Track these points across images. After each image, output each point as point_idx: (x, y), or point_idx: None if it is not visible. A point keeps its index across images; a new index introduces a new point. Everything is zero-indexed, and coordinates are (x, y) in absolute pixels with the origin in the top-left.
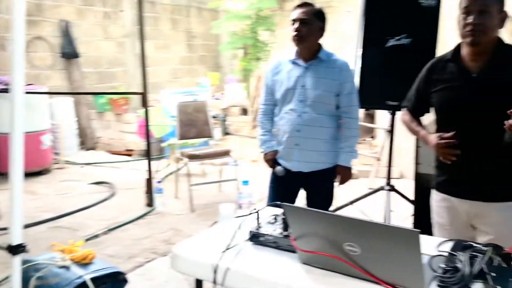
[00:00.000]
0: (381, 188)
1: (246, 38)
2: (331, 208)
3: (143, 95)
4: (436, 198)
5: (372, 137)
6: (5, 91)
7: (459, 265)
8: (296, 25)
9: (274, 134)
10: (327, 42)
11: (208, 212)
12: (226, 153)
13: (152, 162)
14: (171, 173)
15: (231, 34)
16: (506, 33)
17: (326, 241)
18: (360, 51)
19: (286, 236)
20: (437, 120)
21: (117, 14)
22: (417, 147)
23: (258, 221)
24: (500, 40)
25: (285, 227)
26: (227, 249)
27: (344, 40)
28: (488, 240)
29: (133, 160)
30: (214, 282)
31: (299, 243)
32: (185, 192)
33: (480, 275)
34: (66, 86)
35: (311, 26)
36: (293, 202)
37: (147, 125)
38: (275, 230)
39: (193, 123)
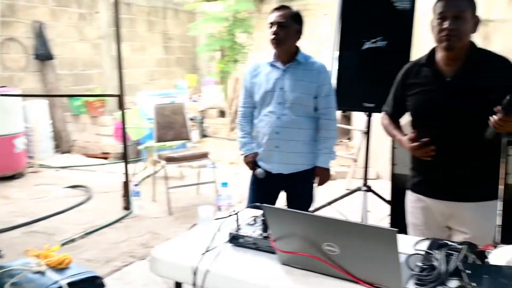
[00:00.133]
0: (358, 189)
1: (224, 40)
2: (310, 209)
3: (120, 97)
4: (411, 198)
5: (348, 138)
6: None
7: (435, 263)
8: (274, 28)
9: (254, 137)
10: (304, 44)
11: (186, 215)
12: (204, 156)
13: (129, 165)
14: (148, 176)
15: (208, 36)
16: (479, 37)
17: (305, 242)
18: (337, 54)
19: (266, 237)
20: (413, 123)
21: (93, 16)
22: (393, 148)
23: (237, 222)
24: (473, 45)
25: (265, 228)
26: (207, 251)
27: (322, 42)
28: (464, 239)
29: (109, 163)
30: (194, 284)
31: (279, 244)
32: (163, 195)
33: (456, 273)
34: (40, 88)
35: (288, 29)
36: (274, 204)
37: (123, 128)
38: (255, 231)
39: (171, 126)
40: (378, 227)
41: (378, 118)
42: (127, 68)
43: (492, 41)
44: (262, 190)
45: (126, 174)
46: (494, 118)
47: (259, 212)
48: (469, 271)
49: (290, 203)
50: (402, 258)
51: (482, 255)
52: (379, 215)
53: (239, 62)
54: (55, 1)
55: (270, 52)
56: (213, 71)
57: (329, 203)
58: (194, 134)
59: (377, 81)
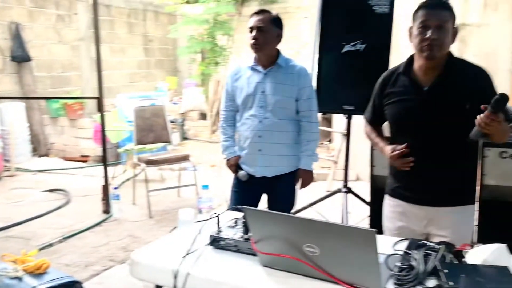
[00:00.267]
0: (339, 191)
1: (204, 43)
2: (292, 211)
3: (99, 100)
4: (389, 203)
5: (329, 140)
6: None
7: (413, 263)
8: (254, 32)
9: (236, 140)
10: (285, 47)
11: (166, 218)
12: (184, 158)
13: (109, 168)
14: (128, 179)
15: (188, 38)
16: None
17: (286, 243)
18: (317, 57)
19: (247, 240)
20: (391, 131)
21: (71, 17)
22: (372, 150)
23: (218, 225)
24: (450, 54)
25: (246, 230)
26: (187, 254)
27: (302, 45)
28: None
29: (88, 167)
30: (175, 287)
31: (260, 246)
32: (143, 198)
33: (434, 272)
34: (17, 91)
35: (268, 33)
36: (256, 206)
37: (103, 130)
38: (236, 233)
39: (151, 128)
40: (357, 228)
41: (358, 120)
42: (106, 70)
43: (468, 45)
44: (245, 192)
45: (106, 177)
46: (481, 117)
47: (240, 215)
48: (447, 271)
49: (272, 205)
50: (382, 258)
51: (459, 254)
52: (360, 216)
53: (220, 65)
54: (32, 2)
55: (250, 56)
56: (193, 73)
57: (310, 205)
58: (175, 136)
59: (357, 84)
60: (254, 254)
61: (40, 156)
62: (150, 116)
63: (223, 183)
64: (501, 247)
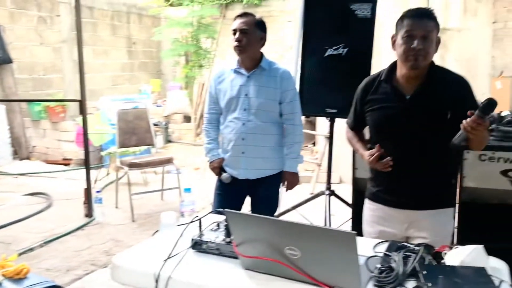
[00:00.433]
0: (322, 193)
1: (188, 45)
2: (275, 214)
3: (81, 103)
4: (370, 207)
5: (313, 143)
6: None
7: (393, 265)
8: (237, 35)
9: (219, 142)
10: (269, 51)
11: (149, 221)
12: (168, 161)
13: (91, 171)
14: (111, 183)
15: (172, 41)
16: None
17: (267, 246)
18: (300, 60)
19: (229, 243)
20: (372, 137)
21: (53, 19)
22: (354, 153)
23: (200, 228)
24: (432, 63)
25: (228, 233)
26: (169, 257)
27: (286, 49)
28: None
29: (70, 170)
30: None
31: (241, 249)
32: (126, 202)
33: (413, 274)
34: None
35: (251, 36)
36: (239, 209)
37: (85, 133)
38: (218, 237)
39: (134, 131)
40: (337, 230)
41: (341, 123)
42: (89, 72)
43: (448, 49)
44: (228, 195)
45: (88, 180)
46: (467, 121)
47: (222, 218)
48: (425, 272)
49: (256, 207)
50: (362, 260)
51: (438, 256)
52: (343, 218)
53: (204, 67)
54: (14, 3)
55: (234, 58)
56: (178, 76)
57: (294, 207)
58: (159, 139)
59: (339, 88)
60: (236, 257)
61: (21, 159)
62: (133, 119)
63: (207, 185)
64: (479, 248)
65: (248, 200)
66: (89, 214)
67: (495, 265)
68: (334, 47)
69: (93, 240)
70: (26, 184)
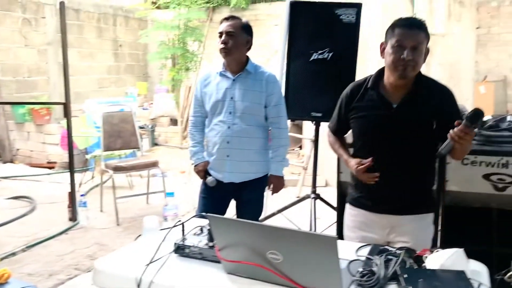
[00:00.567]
0: (307, 197)
1: (175, 48)
2: (261, 218)
3: (65, 105)
4: (351, 212)
5: (300, 147)
6: None
7: (375, 268)
8: (223, 37)
9: (205, 146)
10: (255, 54)
11: (134, 225)
12: (153, 165)
13: (76, 175)
14: (96, 186)
15: (159, 44)
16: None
17: (250, 250)
18: (285, 64)
19: (212, 247)
20: (356, 143)
21: (38, 21)
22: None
23: (183, 232)
24: (419, 73)
25: (211, 238)
26: (151, 262)
27: (272, 52)
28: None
29: (55, 173)
30: None
31: (224, 253)
32: (111, 205)
33: (394, 277)
34: None
35: (237, 39)
36: (224, 212)
37: (69, 136)
38: (201, 241)
39: (119, 134)
40: (318, 234)
41: (326, 127)
42: (75, 75)
43: (433, 54)
44: (213, 198)
45: (72, 184)
46: (454, 131)
47: (206, 222)
48: (406, 275)
49: (241, 211)
50: (344, 264)
51: (419, 259)
52: (328, 222)
53: (191, 70)
54: None
55: (220, 62)
56: (164, 79)
57: (279, 211)
58: (145, 142)
59: (324, 92)
60: (218, 262)
61: (5, 162)
62: (118, 122)
63: (193, 189)
64: (459, 251)
65: (233, 203)
66: (73, 218)
67: (475, 268)
68: (319, 52)
69: (76, 244)
70: (10, 187)
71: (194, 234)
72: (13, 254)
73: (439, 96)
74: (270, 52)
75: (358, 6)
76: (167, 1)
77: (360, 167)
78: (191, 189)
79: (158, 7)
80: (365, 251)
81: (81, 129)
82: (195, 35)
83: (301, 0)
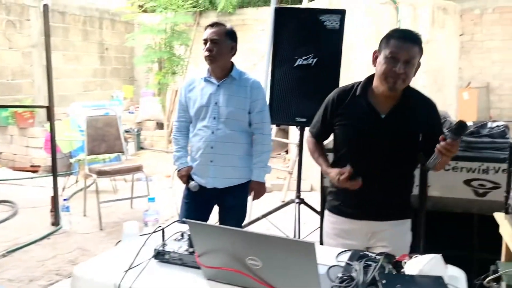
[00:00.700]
0: (292, 201)
1: (162, 52)
2: (244, 223)
3: (48, 109)
4: (331, 220)
5: (286, 151)
6: None
7: (354, 274)
8: (208, 45)
9: (189, 151)
10: (242, 59)
11: (118, 230)
12: (137, 169)
13: (60, 179)
14: (80, 190)
15: (146, 47)
16: None
17: (229, 256)
18: (270, 69)
19: (192, 253)
20: (339, 150)
21: (23, 23)
22: None
23: (163, 238)
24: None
25: (191, 243)
26: (130, 268)
27: (259, 57)
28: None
29: (38, 177)
30: None
31: (203, 259)
32: (94, 210)
33: (373, 283)
34: None
35: (222, 45)
36: (207, 218)
37: (52, 140)
38: (181, 247)
39: (103, 138)
40: (297, 240)
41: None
42: (60, 78)
43: None
44: (196, 204)
45: (55, 188)
46: (441, 144)
47: (187, 227)
48: (384, 281)
49: (224, 217)
50: (324, 269)
51: (398, 265)
52: (313, 226)
53: (177, 74)
54: None
55: (206, 67)
56: (151, 82)
57: (263, 216)
58: (130, 146)
59: (309, 97)
60: (199, 268)
61: None
62: (102, 126)
63: (178, 193)
64: (437, 257)
65: (216, 209)
66: (55, 222)
67: (453, 274)
68: (304, 57)
69: (58, 249)
70: None
71: (175, 239)
72: None
73: (425, 109)
74: (257, 57)
75: (342, 13)
76: (153, 4)
77: (342, 177)
78: (176, 194)
79: (144, 11)
80: (345, 257)
81: (65, 133)
82: (181, 39)
83: (286, 6)
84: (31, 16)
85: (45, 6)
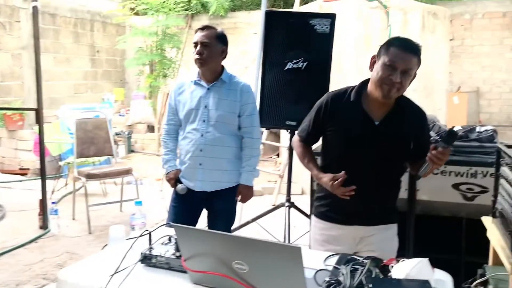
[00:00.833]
0: (282, 205)
1: (153, 55)
2: (233, 227)
3: (37, 111)
4: (318, 226)
5: (277, 155)
6: None
7: (341, 278)
8: (198, 48)
9: (177, 154)
10: (234, 63)
11: (106, 233)
12: (127, 172)
13: (50, 182)
14: (69, 193)
15: (137, 50)
16: None
17: (216, 261)
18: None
19: (179, 257)
20: (329, 154)
21: (13, 25)
22: None
23: (150, 242)
24: None
25: (178, 247)
26: (115, 272)
27: (251, 61)
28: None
29: (27, 180)
30: None
31: (190, 263)
32: (84, 213)
33: (360, 287)
34: None
35: (212, 49)
36: (195, 221)
37: (41, 143)
38: (168, 251)
39: (93, 141)
40: (283, 244)
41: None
42: (50, 80)
43: None
44: (184, 207)
45: (43, 191)
46: (433, 153)
47: (174, 231)
48: (371, 285)
49: (212, 221)
50: (311, 273)
51: (385, 269)
52: (303, 230)
53: (169, 77)
54: None
55: (196, 70)
56: (142, 85)
57: (253, 220)
58: (121, 149)
59: (299, 101)
60: (185, 272)
61: None
62: (92, 129)
63: (169, 197)
64: (423, 261)
65: (205, 213)
66: (43, 226)
67: (440, 278)
68: (294, 61)
69: (46, 253)
70: None
71: (162, 243)
72: None
73: (417, 118)
74: (249, 60)
75: (332, 17)
76: (145, 7)
77: (336, 182)
78: (166, 197)
79: (136, 13)
80: (332, 261)
81: (55, 136)
82: (173, 42)
83: (276, 10)
84: (21, 18)
85: (34, 8)
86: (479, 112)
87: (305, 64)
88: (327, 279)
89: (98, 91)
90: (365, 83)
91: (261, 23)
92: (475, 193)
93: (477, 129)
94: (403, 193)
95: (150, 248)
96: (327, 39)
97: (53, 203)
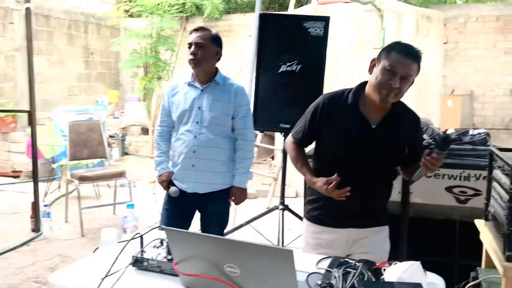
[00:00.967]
0: (276, 208)
1: (147, 57)
2: (226, 229)
3: (30, 113)
4: (311, 229)
5: (272, 157)
6: None
7: (333, 281)
8: (193, 48)
9: (170, 156)
10: (229, 65)
11: (99, 236)
12: (120, 175)
13: (42, 184)
14: (62, 196)
15: (131, 52)
16: None
17: (207, 264)
18: (255, 75)
19: (170, 260)
20: (324, 156)
21: (6, 26)
22: None
23: (141, 245)
24: None
25: (169, 250)
26: (106, 275)
27: (246, 63)
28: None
29: (20, 182)
30: None
31: (181, 267)
32: (76, 216)
33: None
34: None
35: (207, 50)
36: (188, 224)
37: (33, 145)
38: (160, 254)
39: (86, 143)
40: (275, 247)
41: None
42: (44, 82)
43: None
44: (176, 210)
45: (36, 193)
46: (427, 159)
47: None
48: None
49: (205, 223)
50: (303, 276)
51: (378, 272)
52: (298, 233)
53: (163, 79)
54: None
55: (189, 72)
56: (136, 87)
57: (247, 223)
58: (115, 152)
59: (293, 103)
60: (177, 275)
61: None
62: (85, 131)
63: (161, 200)
64: (416, 264)
65: (197, 215)
66: (36, 228)
67: (432, 281)
68: (288, 64)
69: (38, 256)
70: None
71: (154, 246)
72: None
73: (412, 123)
74: (243, 62)
75: (326, 20)
76: (139, 9)
77: (330, 186)
78: (160, 200)
79: (130, 15)
80: (325, 264)
81: (48, 138)
82: (167, 44)
83: (270, 13)
84: (14, 19)
85: (27, 10)
86: (473, 115)
87: (299, 66)
88: (319, 282)
89: (92, 93)
90: (362, 85)
91: (255, 26)
92: (468, 196)
93: (470, 132)
94: (396, 196)
95: (142, 251)
96: (321, 41)
97: (45, 205)
